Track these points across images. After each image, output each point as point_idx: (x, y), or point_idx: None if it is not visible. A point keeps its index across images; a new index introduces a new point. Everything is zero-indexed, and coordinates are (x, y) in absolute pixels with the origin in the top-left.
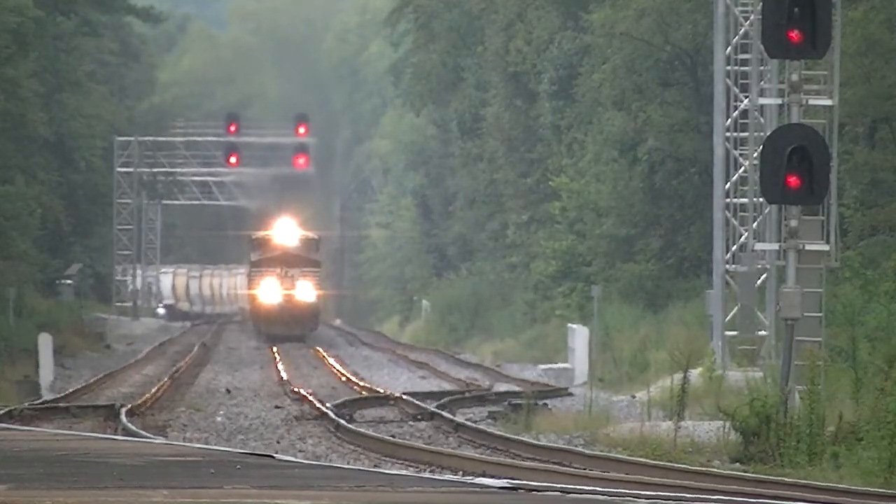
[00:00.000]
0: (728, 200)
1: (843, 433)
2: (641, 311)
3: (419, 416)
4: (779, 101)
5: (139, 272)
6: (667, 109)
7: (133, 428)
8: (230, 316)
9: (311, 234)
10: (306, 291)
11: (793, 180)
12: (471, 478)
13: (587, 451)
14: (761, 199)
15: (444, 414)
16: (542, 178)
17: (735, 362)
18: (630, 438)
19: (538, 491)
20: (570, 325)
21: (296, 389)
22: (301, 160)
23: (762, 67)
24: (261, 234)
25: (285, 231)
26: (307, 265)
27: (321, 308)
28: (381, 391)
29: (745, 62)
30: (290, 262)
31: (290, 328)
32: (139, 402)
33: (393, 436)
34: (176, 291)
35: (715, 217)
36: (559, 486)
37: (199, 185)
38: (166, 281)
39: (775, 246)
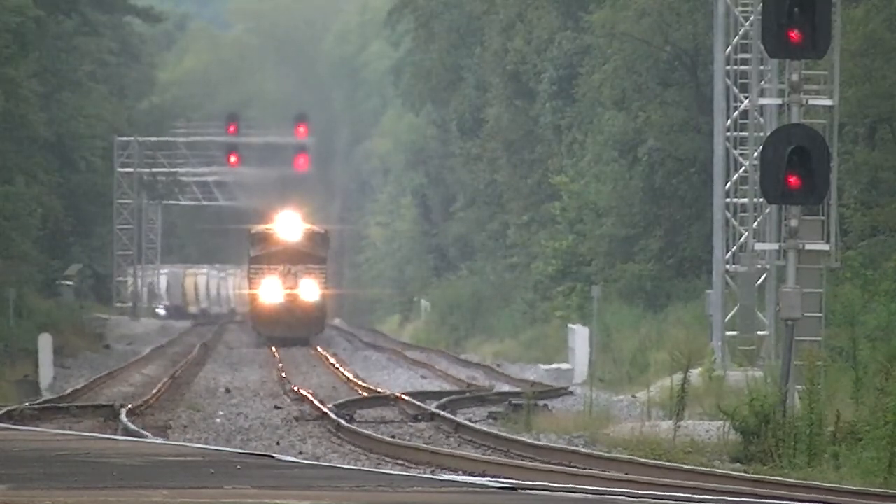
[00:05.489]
0: (728, 200)
1: (842, 433)
2: (641, 311)
3: (419, 417)
4: (779, 101)
5: (139, 272)
6: (667, 109)
7: (133, 428)
8: (230, 316)
9: (317, 228)
10: (311, 290)
11: (793, 180)
12: (471, 478)
13: (587, 451)
14: (761, 199)
15: (445, 414)
16: (543, 179)
17: (735, 362)
18: (630, 438)
19: (538, 491)
20: (570, 325)
21: (296, 389)
22: (301, 160)
23: (762, 67)
24: (261, 228)
25: (288, 225)
26: (312, 262)
27: (327, 308)
28: (382, 391)
29: (745, 62)
30: (293, 259)
31: (292, 330)
32: (139, 402)
33: (393, 436)
34: (171, 291)
35: (715, 217)
36: (559, 486)
37: (200, 185)
38: (164, 281)
39: (775, 246)
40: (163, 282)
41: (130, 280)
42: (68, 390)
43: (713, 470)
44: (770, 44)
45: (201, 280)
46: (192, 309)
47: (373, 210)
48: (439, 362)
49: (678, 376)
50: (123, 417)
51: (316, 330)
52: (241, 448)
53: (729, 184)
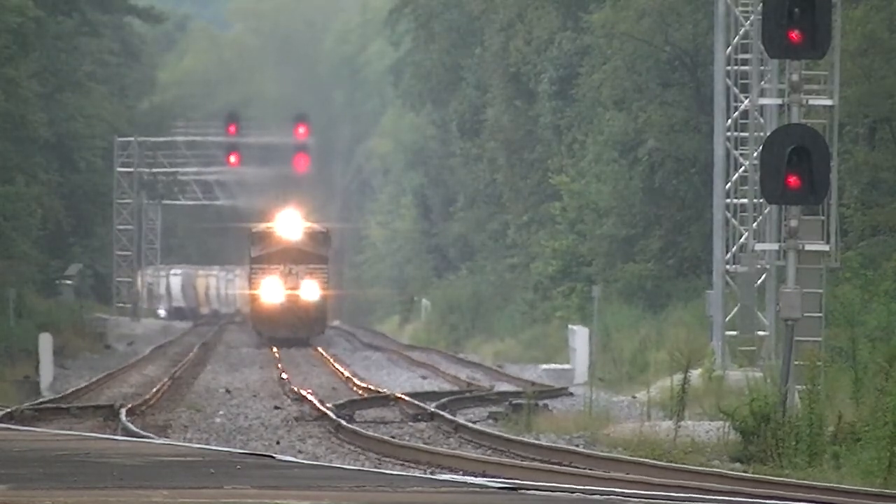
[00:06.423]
0: (728, 200)
1: (842, 433)
2: (641, 311)
3: (419, 417)
4: (779, 101)
5: (139, 272)
6: (667, 109)
7: (133, 428)
8: (233, 316)
9: (318, 227)
10: (312, 291)
11: (793, 180)
12: (471, 478)
13: (587, 451)
14: (761, 199)
15: (445, 414)
16: (543, 179)
17: (735, 362)
18: (630, 438)
19: (538, 491)
20: (570, 325)
21: (296, 389)
22: (301, 160)
23: (762, 67)
24: (262, 227)
25: (289, 223)
26: (313, 261)
27: (328, 308)
28: (382, 391)
29: (745, 62)
30: (294, 259)
31: (293, 331)
32: (139, 402)
33: (393, 436)
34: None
35: (715, 217)
36: (559, 486)
37: (200, 185)
38: (179, 282)
39: (775, 246)
40: (176, 283)
41: (137, 280)
42: (69, 390)
43: (713, 470)
44: (770, 44)
45: (212, 281)
46: (204, 310)
47: (373, 210)
48: (439, 362)
49: (678, 376)
50: (123, 417)
51: (317, 330)
52: (241, 448)
53: (729, 184)
